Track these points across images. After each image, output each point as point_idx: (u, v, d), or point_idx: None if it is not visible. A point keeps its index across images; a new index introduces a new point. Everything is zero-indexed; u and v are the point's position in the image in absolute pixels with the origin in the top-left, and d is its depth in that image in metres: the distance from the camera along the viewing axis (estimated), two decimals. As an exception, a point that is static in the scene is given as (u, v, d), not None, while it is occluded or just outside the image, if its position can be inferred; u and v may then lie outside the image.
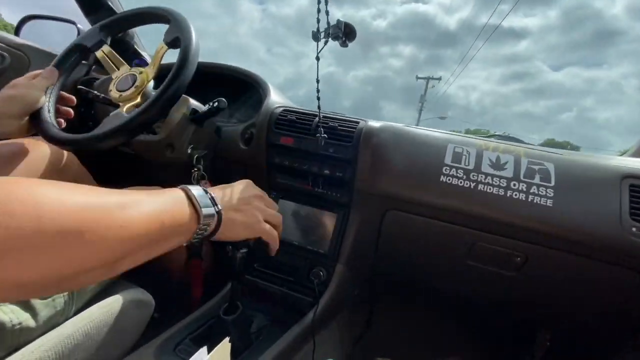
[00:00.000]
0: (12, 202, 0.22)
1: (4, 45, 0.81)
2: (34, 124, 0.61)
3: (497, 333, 0.96)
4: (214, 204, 0.39)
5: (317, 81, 0.62)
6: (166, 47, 0.63)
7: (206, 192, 0.40)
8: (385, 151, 0.66)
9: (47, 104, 0.62)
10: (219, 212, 0.39)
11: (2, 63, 0.79)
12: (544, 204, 0.56)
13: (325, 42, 0.60)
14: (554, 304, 0.70)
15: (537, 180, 0.58)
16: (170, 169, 0.82)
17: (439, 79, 21.97)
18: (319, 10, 0.56)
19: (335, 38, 0.79)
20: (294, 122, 0.72)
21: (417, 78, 22.02)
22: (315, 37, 0.77)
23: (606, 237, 0.53)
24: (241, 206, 0.45)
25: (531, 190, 0.57)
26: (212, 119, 0.74)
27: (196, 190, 0.38)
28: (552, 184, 0.57)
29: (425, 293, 0.91)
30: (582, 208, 0.55)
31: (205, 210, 0.37)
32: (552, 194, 0.57)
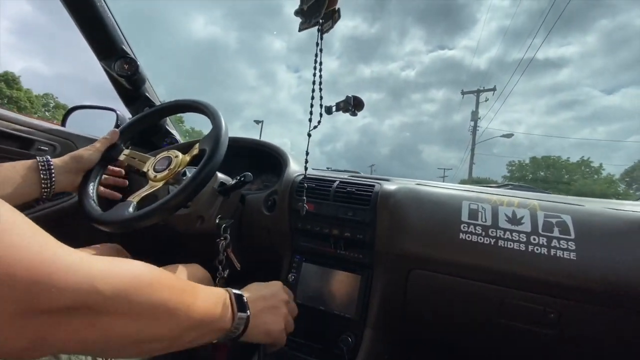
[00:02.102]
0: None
1: (55, 136, 0.93)
2: (79, 196, 0.67)
3: None
4: (247, 309, 0.45)
5: (307, 153, 0.69)
6: (198, 151, 0.70)
7: (242, 296, 0.46)
8: (403, 211, 0.69)
9: (92, 183, 0.69)
10: (247, 317, 0.45)
11: (54, 152, 0.90)
12: (567, 257, 0.57)
13: (318, 122, 0.67)
14: None
15: (556, 233, 0.59)
16: (197, 238, 0.87)
17: (494, 89, 17.40)
18: (312, 97, 0.64)
19: (345, 111, 0.88)
20: (313, 189, 0.77)
21: (463, 93, 18.60)
22: (328, 110, 0.86)
23: (633, 285, 0.52)
24: (269, 313, 0.51)
25: (552, 244, 0.58)
26: (237, 190, 0.80)
27: (235, 291, 0.46)
28: (572, 236, 0.58)
29: (460, 355, 0.86)
30: (607, 258, 0.55)
31: (239, 314, 0.44)
32: (573, 247, 0.57)
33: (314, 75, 0.62)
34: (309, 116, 0.71)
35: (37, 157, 0.62)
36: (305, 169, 0.70)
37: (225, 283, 0.74)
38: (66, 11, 0.84)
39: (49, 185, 0.62)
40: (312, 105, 0.66)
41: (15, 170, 0.59)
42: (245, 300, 0.46)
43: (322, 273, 0.76)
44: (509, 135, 19.19)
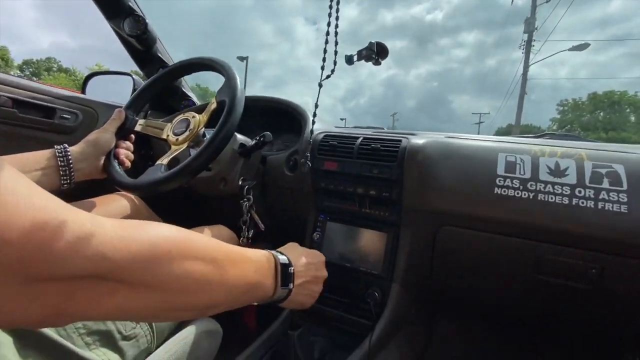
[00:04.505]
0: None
1: (75, 104, 0.93)
2: (105, 168, 0.68)
3: (573, 355, 0.87)
4: (291, 281, 0.46)
5: (316, 106, 0.65)
6: (216, 104, 0.68)
7: (288, 266, 0.46)
8: (432, 167, 0.65)
9: (115, 160, 0.69)
10: (290, 290, 0.46)
11: (76, 120, 0.90)
12: (617, 210, 0.52)
13: (332, 71, 0.62)
14: None
15: (605, 184, 0.54)
16: (222, 201, 0.88)
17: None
18: (325, 51, 0.58)
19: (368, 59, 0.81)
20: (335, 147, 0.73)
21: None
22: (349, 60, 0.79)
23: None
24: (308, 288, 0.52)
25: (600, 197, 0.53)
26: (258, 150, 0.78)
27: (282, 260, 0.46)
28: (625, 187, 0.53)
29: (488, 310, 0.86)
30: None
31: (282, 288, 0.45)
32: (625, 199, 0.52)
33: (329, 15, 0.56)
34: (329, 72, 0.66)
35: (55, 146, 0.61)
36: (313, 122, 0.66)
37: (250, 243, 0.75)
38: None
39: (67, 173, 0.60)
40: (325, 51, 0.60)
41: (34, 160, 0.58)
42: (292, 272, 0.46)
43: (347, 231, 0.76)
44: (583, 47, 12.84)
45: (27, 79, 0.90)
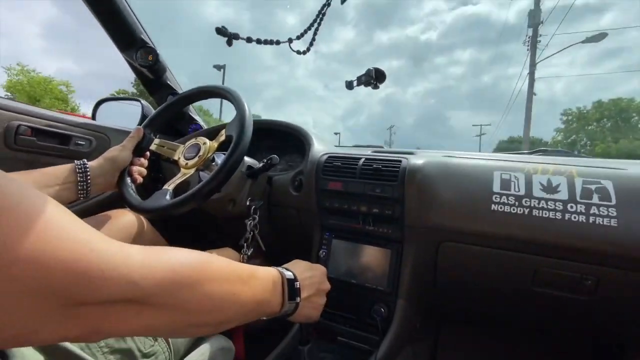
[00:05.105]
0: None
1: (89, 130, 0.98)
2: (118, 185, 0.71)
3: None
4: (298, 295, 0.48)
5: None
6: (225, 137, 0.72)
7: (294, 281, 0.49)
8: (432, 185, 0.69)
9: (129, 177, 0.73)
10: (297, 304, 0.48)
11: (90, 146, 0.95)
12: (607, 224, 0.55)
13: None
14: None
15: (595, 200, 0.57)
16: (230, 221, 0.91)
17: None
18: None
19: (367, 84, 0.86)
20: (339, 168, 0.77)
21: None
22: (349, 85, 0.84)
23: None
24: (314, 301, 0.54)
25: (591, 211, 0.56)
26: (265, 172, 0.81)
27: (288, 275, 0.48)
28: (613, 202, 0.56)
29: (490, 322, 0.88)
30: None
31: (289, 302, 0.47)
32: (614, 213, 0.55)
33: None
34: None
35: (75, 161, 0.65)
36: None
37: (249, 259, 0.78)
38: (85, 5, 0.85)
39: (85, 187, 0.64)
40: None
41: (55, 175, 0.61)
42: (298, 286, 0.48)
43: (352, 248, 0.78)
44: (599, 37, 11.27)
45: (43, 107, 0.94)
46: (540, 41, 12.36)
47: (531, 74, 12.33)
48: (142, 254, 0.30)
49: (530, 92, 12.04)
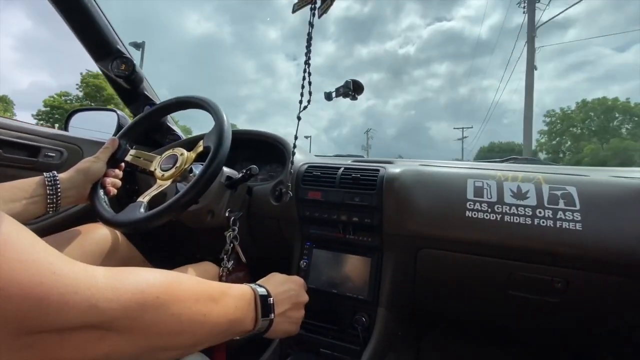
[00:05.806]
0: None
1: (60, 142, 0.94)
2: (90, 197, 0.68)
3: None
4: (271, 311, 0.46)
5: (295, 137, 0.69)
6: (203, 147, 0.71)
7: (267, 297, 0.47)
8: (408, 194, 0.70)
9: (102, 189, 0.70)
10: (271, 321, 0.46)
11: (60, 158, 0.91)
12: (573, 228, 0.58)
13: (308, 102, 0.67)
14: (609, 325, 0.68)
15: (561, 205, 0.60)
16: (209, 233, 0.89)
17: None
18: (304, 79, 0.63)
19: (345, 95, 0.88)
20: (318, 177, 0.78)
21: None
22: (328, 97, 0.85)
23: (637, 254, 0.53)
24: (291, 315, 0.53)
25: (558, 216, 0.59)
26: (244, 182, 0.81)
27: (261, 292, 0.46)
28: (578, 207, 0.59)
29: (469, 325, 0.89)
30: (612, 228, 0.56)
31: (263, 319, 0.45)
32: (579, 218, 0.58)
33: (306, 55, 0.61)
34: (311, 104, 0.71)
35: (44, 174, 0.62)
36: (293, 154, 0.70)
37: (230, 273, 0.76)
38: (59, 15, 0.83)
39: (54, 200, 0.62)
40: (303, 87, 0.65)
41: (23, 189, 0.58)
42: (271, 302, 0.47)
43: (333, 258, 0.78)
44: None
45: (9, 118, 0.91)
46: (539, 1, 11.74)
47: (529, 42, 11.29)
48: (107, 276, 0.29)
49: (531, 65, 11.20)
